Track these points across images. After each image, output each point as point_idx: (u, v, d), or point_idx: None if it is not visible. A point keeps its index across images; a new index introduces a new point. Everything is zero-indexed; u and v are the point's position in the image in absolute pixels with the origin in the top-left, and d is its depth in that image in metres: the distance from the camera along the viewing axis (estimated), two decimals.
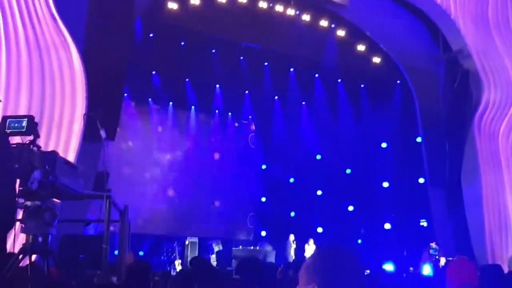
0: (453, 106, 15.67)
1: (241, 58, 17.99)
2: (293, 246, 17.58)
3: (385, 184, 18.94)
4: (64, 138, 11.38)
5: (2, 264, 3.69)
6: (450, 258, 13.78)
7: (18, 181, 4.05)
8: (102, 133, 4.86)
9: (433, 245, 15.46)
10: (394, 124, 18.29)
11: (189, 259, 15.53)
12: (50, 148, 10.77)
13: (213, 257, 16.77)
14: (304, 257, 16.87)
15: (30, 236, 4.09)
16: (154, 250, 16.89)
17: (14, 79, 10.89)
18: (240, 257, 16.43)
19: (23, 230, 4.12)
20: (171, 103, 19.55)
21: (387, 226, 18.53)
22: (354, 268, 2.14)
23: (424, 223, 17.64)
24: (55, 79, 11.51)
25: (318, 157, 20.64)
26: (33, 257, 4.09)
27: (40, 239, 4.11)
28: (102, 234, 4.61)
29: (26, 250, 4.01)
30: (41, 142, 10.31)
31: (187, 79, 18.91)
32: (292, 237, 17.63)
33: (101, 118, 4.92)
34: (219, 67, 18.02)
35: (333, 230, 18.81)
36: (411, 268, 15.33)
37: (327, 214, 19.36)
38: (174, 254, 15.88)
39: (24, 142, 4.22)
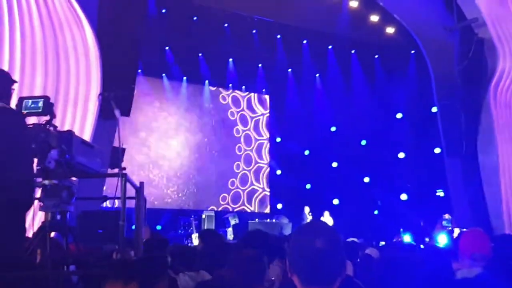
0: (468, 75, 15.52)
1: (254, 31, 17.90)
2: (309, 218, 17.70)
3: (401, 155, 18.91)
4: (80, 116, 11.50)
5: (23, 241, 3.81)
6: (464, 230, 13.81)
7: (36, 160, 4.14)
8: (117, 113, 4.94)
9: (446, 216, 15.47)
10: (409, 95, 18.18)
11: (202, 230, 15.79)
12: (66, 126, 10.94)
13: (229, 231, 16.97)
14: None
15: (49, 214, 4.19)
16: (171, 224, 17.12)
17: (29, 58, 10.98)
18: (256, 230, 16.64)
19: (41, 208, 4.23)
20: (185, 78, 19.61)
21: (404, 197, 18.56)
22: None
23: (440, 193, 17.62)
24: (69, 56, 11.57)
25: (333, 129, 20.64)
26: (52, 234, 4.20)
27: (58, 216, 4.22)
28: (119, 209, 4.71)
29: (45, 227, 4.13)
30: (57, 120, 10.48)
31: (200, 54, 18.91)
32: (307, 209, 17.74)
33: (115, 98, 4.98)
34: (231, 42, 18.00)
35: (349, 202, 18.89)
36: (427, 239, 15.39)
37: (343, 186, 19.42)
38: (191, 228, 16.09)
39: (40, 122, 4.30)
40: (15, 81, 4.04)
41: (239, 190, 20.40)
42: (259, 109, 21.60)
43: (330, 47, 19.28)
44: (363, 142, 19.90)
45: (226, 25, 17.40)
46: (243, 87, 21.01)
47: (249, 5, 16.06)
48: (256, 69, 20.37)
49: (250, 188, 20.70)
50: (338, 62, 19.37)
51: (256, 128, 21.40)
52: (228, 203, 19.82)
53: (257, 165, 21.11)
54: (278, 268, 4.58)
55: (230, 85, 20.58)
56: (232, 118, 20.89)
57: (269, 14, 16.77)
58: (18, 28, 10.88)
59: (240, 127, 21.01)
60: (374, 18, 16.80)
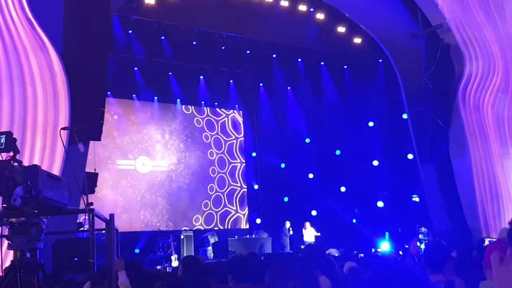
0: (436, 80, 15.73)
1: (223, 48, 17.91)
2: (290, 233, 17.69)
3: (375, 163, 19.03)
4: (49, 142, 11.32)
5: None
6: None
7: (0, 198, 4.02)
8: (80, 147, 4.85)
9: (422, 229, 15.57)
10: (380, 103, 18.34)
11: (185, 253, 15.60)
12: (36, 154, 10.78)
13: (209, 250, 16.84)
14: (303, 241, 17.00)
15: (18, 252, 4.07)
16: (150, 247, 16.90)
17: None
18: (237, 247, 16.53)
19: (10, 247, 4.11)
20: (156, 97, 19.49)
21: (380, 204, 18.65)
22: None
23: (416, 199, 17.75)
24: (36, 83, 11.41)
25: (307, 140, 20.72)
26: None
27: (28, 254, 4.10)
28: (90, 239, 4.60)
29: (14, 266, 4.00)
30: (26, 148, 10.29)
31: (170, 73, 18.85)
32: (288, 224, 17.73)
33: (80, 129, 4.89)
34: (201, 59, 18.02)
35: (327, 212, 18.93)
36: (406, 246, 15.44)
37: (320, 196, 19.47)
38: (170, 249, 15.90)
39: (5, 159, 4.18)
40: None
41: (212, 212, 20.28)
42: (233, 133, 21.54)
43: (299, 59, 19.37)
44: (338, 152, 19.99)
45: (194, 42, 17.37)
46: (216, 103, 20.96)
47: (217, 22, 16.07)
48: (228, 85, 20.38)
49: (224, 209, 20.60)
50: (308, 74, 19.48)
51: (230, 151, 21.33)
52: (201, 224, 19.68)
53: (230, 187, 21.01)
54: None
55: (203, 102, 20.51)
56: (207, 141, 20.80)
57: (237, 30, 16.80)
58: None
59: (214, 150, 20.91)
60: (341, 29, 16.97)
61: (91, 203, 4.27)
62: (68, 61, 11.83)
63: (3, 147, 4.07)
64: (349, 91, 19.26)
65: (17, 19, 11.45)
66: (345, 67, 19.44)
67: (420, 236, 14.62)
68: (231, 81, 20.36)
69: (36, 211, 4.03)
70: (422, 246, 12.42)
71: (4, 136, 4.12)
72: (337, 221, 18.35)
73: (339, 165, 19.55)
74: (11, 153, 4.15)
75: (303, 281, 2.19)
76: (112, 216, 4.56)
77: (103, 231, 4.72)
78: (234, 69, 19.24)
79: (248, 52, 18.47)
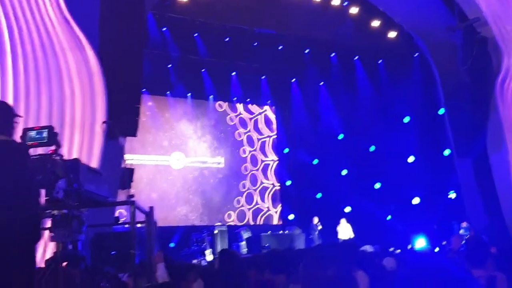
0: (473, 74, 15.44)
1: (255, 44, 17.92)
2: (319, 228, 17.60)
3: (411, 159, 18.81)
4: (87, 139, 11.49)
5: (33, 275, 3.77)
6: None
7: (44, 191, 4.11)
8: (121, 140, 4.92)
9: (464, 224, 15.33)
10: (415, 98, 18.11)
11: (219, 248, 15.69)
12: (74, 151, 10.96)
13: (243, 245, 16.88)
14: (338, 239, 16.91)
15: (60, 244, 4.17)
16: (184, 241, 17.06)
17: (33, 85, 11.01)
18: (270, 242, 16.55)
19: (52, 239, 4.20)
20: (189, 94, 19.63)
21: (416, 200, 18.42)
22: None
23: (453, 195, 17.50)
24: (73, 81, 11.61)
25: (341, 136, 20.57)
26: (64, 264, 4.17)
27: (70, 246, 4.19)
28: (130, 232, 4.67)
29: (56, 258, 4.10)
30: (65, 145, 10.48)
31: (203, 69, 18.94)
32: (316, 219, 17.64)
33: (118, 125, 4.96)
34: (234, 55, 18.07)
35: (362, 209, 18.78)
36: (444, 242, 15.23)
37: (354, 193, 19.32)
38: (204, 244, 16.01)
39: (46, 152, 4.27)
40: (18, 115, 4.01)
41: (244, 209, 20.32)
42: (266, 131, 21.52)
43: (333, 54, 19.25)
44: (372, 148, 19.81)
45: (227, 39, 17.43)
46: (248, 99, 20.99)
47: (249, 18, 16.10)
48: (259, 81, 20.37)
49: (256, 207, 20.61)
50: (342, 69, 19.34)
51: (263, 149, 21.31)
52: (233, 221, 19.75)
53: (262, 185, 21.01)
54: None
55: (235, 98, 20.56)
56: (239, 139, 20.84)
57: (269, 25, 16.80)
58: (21, 55, 10.93)
59: (247, 147, 20.93)
60: (376, 23, 16.80)
61: (132, 195, 4.34)
62: (104, 59, 11.99)
63: (45, 141, 4.16)
64: (384, 86, 19.07)
65: (55, 18, 11.66)
66: (380, 61, 19.25)
67: (461, 231, 14.41)
68: (263, 77, 20.34)
69: (77, 204, 4.12)
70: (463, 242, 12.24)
71: (47, 130, 4.21)
72: (371, 218, 18.19)
73: (374, 161, 19.38)
74: (53, 147, 4.23)
75: (337, 270, 2.18)
76: (151, 208, 4.63)
77: (142, 224, 4.78)
78: (266, 65, 19.22)
79: (280, 47, 18.43)
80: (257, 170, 20.97)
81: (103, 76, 11.85)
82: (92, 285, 4.02)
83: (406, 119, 19.05)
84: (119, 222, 5.29)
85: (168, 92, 19.17)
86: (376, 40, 17.42)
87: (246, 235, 17.27)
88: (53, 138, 4.22)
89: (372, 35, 17.21)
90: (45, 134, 4.20)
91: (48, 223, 4.25)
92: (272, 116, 21.75)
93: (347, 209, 19.57)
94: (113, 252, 7.39)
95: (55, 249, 4.23)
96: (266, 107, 21.63)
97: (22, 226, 3.47)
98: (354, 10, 16.49)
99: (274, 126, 21.72)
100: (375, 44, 17.83)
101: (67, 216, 4.12)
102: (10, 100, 10.12)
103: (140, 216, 4.97)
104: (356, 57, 19.32)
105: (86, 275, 4.21)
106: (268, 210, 20.84)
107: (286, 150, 21.55)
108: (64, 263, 4.20)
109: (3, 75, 10.61)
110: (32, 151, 4.07)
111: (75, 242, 4.23)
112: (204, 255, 15.63)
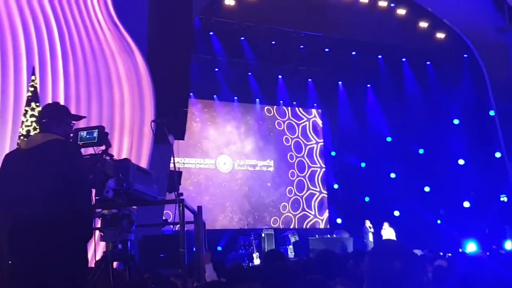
0: None
1: (302, 46, 17.87)
2: (371, 231, 17.37)
3: (461, 162, 18.37)
4: (136, 142, 11.70)
5: (85, 273, 3.83)
6: None
7: (94, 191, 4.17)
8: (170, 139, 4.96)
9: None
10: (465, 99, 17.69)
11: (266, 251, 15.67)
12: (123, 154, 11.15)
13: (290, 248, 16.81)
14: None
15: (110, 244, 4.21)
16: (231, 245, 17.11)
17: (84, 89, 11.28)
18: (317, 246, 16.43)
19: (102, 239, 4.25)
20: (236, 97, 19.71)
21: (466, 204, 17.97)
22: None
23: (504, 198, 17.00)
24: (122, 85, 11.84)
25: (389, 139, 20.25)
26: (115, 263, 4.22)
27: (119, 246, 4.24)
28: (178, 233, 4.70)
29: (107, 257, 4.14)
30: (114, 148, 10.67)
31: (249, 73, 19.00)
32: (368, 223, 17.42)
33: (167, 123, 5.01)
34: (280, 58, 18.07)
35: (411, 212, 18.43)
36: (494, 246, 14.82)
37: (402, 196, 18.99)
38: (252, 247, 16.02)
39: (97, 152, 4.35)
40: (75, 116, 4.08)
41: (290, 215, 20.24)
42: (314, 138, 21.41)
43: (380, 56, 19.01)
44: (421, 151, 19.44)
45: (273, 42, 17.45)
46: (294, 102, 20.93)
47: (295, 21, 16.08)
48: (306, 84, 20.29)
49: (302, 213, 20.50)
50: (389, 71, 19.05)
51: (310, 155, 21.19)
52: (279, 226, 19.68)
53: (309, 191, 20.88)
54: None
55: (281, 101, 20.53)
56: (287, 144, 20.79)
57: (316, 28, 16.73)
58: (71, 60, 11.21)
59: (294, 153, 20.84)
60: (424, 24, 16.53)
61: (181, 194, 4.36)
62: (152, 63, 12.19)
63: (95, 141, 4.23)
64: (433, 88, 18.69)
65: (104, 23, 11.92)
66: (428, 63, 18.89)
67: None
68: (309, 80, 20.25)
69: (126, 203, 4.17)
70: None
71: (97, 130, 4.28)
72: (420, 222, 17.83)
73: (423, 164, 19.00)
74: (103, 147, 4.30)
75: (405, 262, 2.13)
76: (200, 208, 4.64)
77: (191, 225, 4.79)
78: (312, 67, 19.15)
79: (326, 50, 18.31)
80: (304, 176, 20.84)
81: (151, 80, 12.05)
82: (141, 285, 4.05)
83: (456, 121, 18.62)
84: (167, 223, 5.31)
85: (215, 96, 19.31)
86: (424, 41, 17.14)
87: (293, 238, 17.19)
88: (103, 138, 4.29)
89: (420, 36, 16.97)
90: (95, 134, 4.27)
91: (98, 223, 4.32)
92: (320, 122, 21.59)
93: (396, 213, 19.24)
94: (162, 255, 7.48)
95: (105, 248, 4.28)
96: (314, 113, 21.49)
97: (74, 225, 3.52)
98: (401, 11, 16.29)
99: (322, 132, 21.55)
100: (423, 45, 17.53)
101: (117, 215, 4.17)
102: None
103: (188, 218, 4.99)
104: (404, 59, 19.01)
105: (135, 275, 4.25)
106: (315, 216, 20.69)
107: (333, 153, 21.38)
108: (114, 263, 4.25)
109: (55, 80, 10.90)
110: (83, 151, 4.14)
111: (124, 242, 4.28)
112: (251, 258, 15.64)
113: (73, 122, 4.09)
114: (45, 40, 10.91)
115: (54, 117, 3.84)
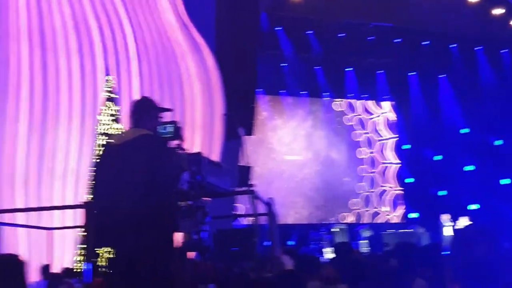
0: None
1: (371, 38, 17.57)
2: (449, 224, 16.86)
3: None
4: (207, 138, 11.92)
5: (172, 262, 3.93)
6: None
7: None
8: (240, 131, 5.01)
9: None
10: None
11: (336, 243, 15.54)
12: (195, 148, 11.37)
13: (363, 243, 16.59)
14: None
15: (186, 234, 4.31)
16: (302, 240, 17.07)
17: (157, 88, 11.61)
18: (392, 240, 16.12)
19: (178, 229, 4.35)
20: (304, 92, 19.63)
21: None
22: None
23: None
24: (193, 82, 12.10)
25: (464, 130, 19.58)
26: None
27: (195, 236, 4.33)
28: (251, 226, 4.75)
29: (183, 248, 4.25)
30: (186, 144, 10.91)
31: (317, 67, 18.88)
32: (445, 216, 16.91)
33: (237, 116, 5.06)
34: (348, 51, 17.84)
35: (489, 206, 17.78)
36: None
37: (480, 190, 18.34)
38: (323, 242, 15.92)
39: (171, 146, 4.44)
40: (161, 108, 4.15)
41: (362, 211, 19.96)
42: (386, 133, 21.01)
43: (452, 45, 18.43)
44: (499, 142, 18.71)
45: (341, 35, 17.25)
46: (364, 95, 20.60)
47: (364, 12, 15.83)
48: (375, 77, 19.93)
49: (374, 210, 20.18)
50: (463, 61, 18.44)
51: (381, 151, 20.79)
52: (350, 222, 19.43)
53: (381, 187, 20.48)
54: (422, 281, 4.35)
55: (351, 95, 20.26)
56: (357, 139, 20.48)
57: (385, 19, 16.41)
58: (145, 60, 11.54)
59: (365, 148, 20.55)
60: (498, 11, 15.90)
61: (253, 185, 4.40)
62: (221, 60, 12.39)
63: (172, 135, 4.33)
64: (509, 77, 17.96)
65: (175, 23, 12.22)
66: (504, 51, 18.16)
67: None
68: (379, 72, 19.86)
69: (200, 194, 4.25)
70: None
71: (172, 125, 4.37)
72: (500, 216, 17.17)
73: (501, 156, 18.29)
74: (177, 141, 4.39)
75: (488, 246, 2.07)
76: (271, 199, 4.67)
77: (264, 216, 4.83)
78: (382, 59, 18.79)
79: (397, 41, 17.94)
80: (376, 172, 20.50)
81: (220, 76, 12.25)
82: (216, 274, 4.13)
83: None
84: (240, 215, 5.38)
85: (282, 91, 19.30)
86: (498, 29, 16.50)
87: (366, 233, 16.95)
88: (178, 132, 4.38)
89: (495, 24, 16.33)
90: (170, 128, 4.37)
91: None
92: (392, 116, 21.11)
93: (473, 207, 18.62)
94: (234, 248, 7.58)
95: (181, 239, 4.39)
96: (386, 107, 21.06)
97: (163, 216, 3.62)
98: None
99: (394, 127, 21.09)
100: (498, 33, 16.87)
101: (191, 207, 4.27)
102: None
103: (259, 210, 5.02)
104: (478, 48, 18.36)
105: (211, 265, 4.33)
106: (387, 213, 20.33)
107: (407, 147, 20.90)
108: (191, 253, 4.35)
109: (129, 80, 11.25)
110: None
111: (199, 233, 4.36)
112: (322, 253, 15.54)
113: (160, 114, 4.18)
114: (120, 42, 11.28)
115: (143, 112, 3.95)
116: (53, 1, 10.89)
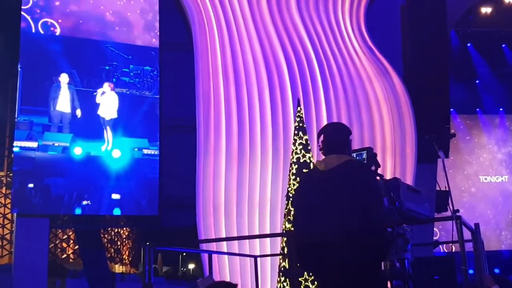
0: None
1: None
2: None
3: None
4: (399, 162, 11.70)
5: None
6: None
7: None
8: (441, 154, 4.84)
9: None
10: None
11: None
12: (387, 173, 11.21)
13: None
14: None
15: (388, 262, 4.25)
16: (510, 267, 15.83)
17: (344, 114, 11.73)
18: None
19: None
20: (501, 109, 18.35)
21: None
22: None
23: None
24: (381, 107, 12.01)
25: None
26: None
27: (397, 264, 4.25)
28: (450, 254, 4.54)
29: (385, 275, 4.19)
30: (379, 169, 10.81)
31: None
32: None
33: (436, 140, 4.92)
34: None
35: None
36: None
37: None
38: None
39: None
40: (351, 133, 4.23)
41: None
42: None
43: None
44: None
45: None
46: None
47: None
48: None
49: None
50: None
51: None
52: None
53: None
54: None
55: None
56: None
57: None
58: (331, 87, 11.77)
59: None
60: None
61: (458, 210, 4.22)
62: (409, 82, 12.18)
63: (365, 161, 4.35)
64: None
65: (359, 49, 12.30)
66: None
67: None
68: None
69: (399, 220, 4.18)
70: None
71: (366, 152, 4.40)
72: None
73: None
74: (373, 167, 4.39)
75: None
76: (477, 225, 4.43)
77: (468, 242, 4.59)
78: None
79: None
80: None
81: (409, 100, 12.03)
82: None
83: None
84: (441, 242, 5.18)
85: (478, 109, 18.25)
86: None
87: None
88: (372, 158, 4.38)
89: None
90: (364, 155, 4.39)
91: None
92: None
93: None
94: (436, 277, 7.29)
95: (382, 266, 4.33)
96: None
97: (375, 242, 3.62)
98: None
99: None
100: None
101: (392, 233, 4.20)
102: None
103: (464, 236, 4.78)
104: None
105: None
106: None
107: None
108: (393, 281, 4.27)
109: (318, 109, 11.54)
110: None
111: (402, 260, 4.27)
112: None
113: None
114: (307, 72, 11.65)
115: (343, 138, 4.03)
116: (244, 40, 11.63)
